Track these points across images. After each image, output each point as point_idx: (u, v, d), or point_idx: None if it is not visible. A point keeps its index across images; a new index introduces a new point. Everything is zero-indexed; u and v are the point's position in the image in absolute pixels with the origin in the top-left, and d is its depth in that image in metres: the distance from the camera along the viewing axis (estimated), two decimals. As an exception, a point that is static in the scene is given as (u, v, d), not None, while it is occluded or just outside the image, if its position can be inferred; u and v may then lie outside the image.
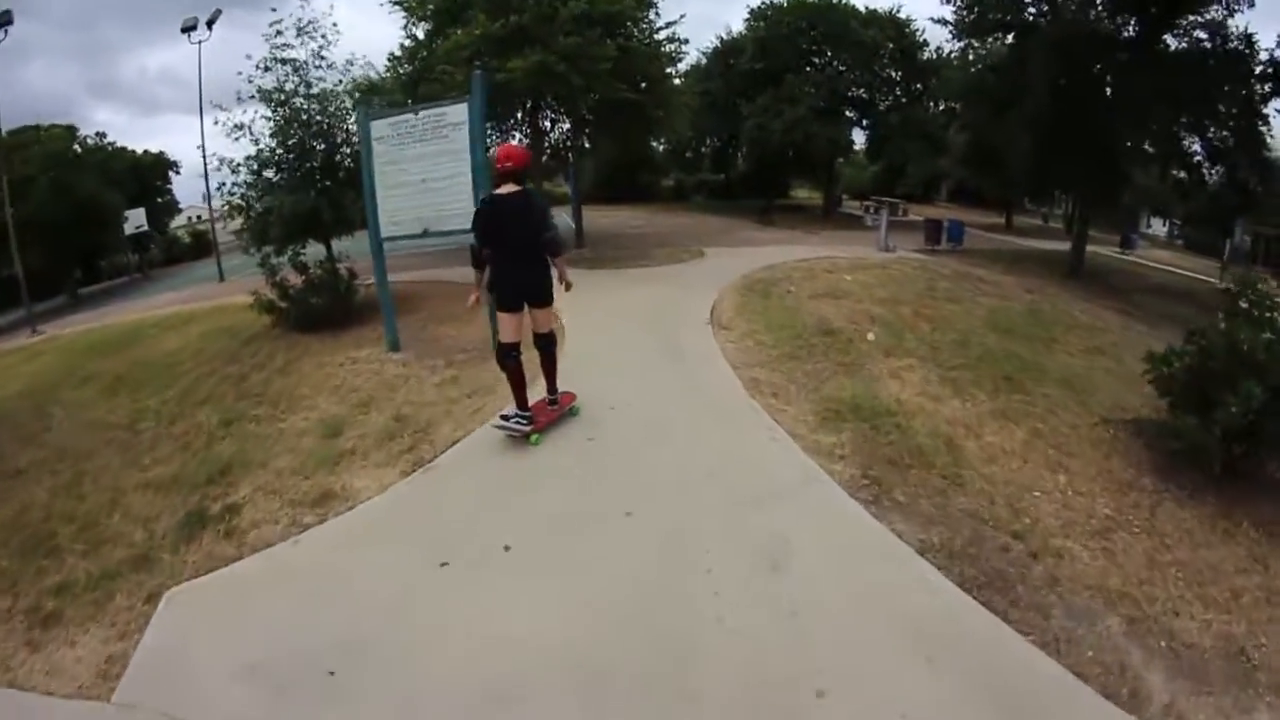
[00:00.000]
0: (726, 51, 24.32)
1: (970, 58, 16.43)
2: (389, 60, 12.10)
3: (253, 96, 8.41)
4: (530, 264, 3.87)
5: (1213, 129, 12.46)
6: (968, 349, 6.19)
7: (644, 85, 11.62)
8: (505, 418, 4.08)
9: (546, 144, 15.15)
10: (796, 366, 5.42)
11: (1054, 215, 31.09)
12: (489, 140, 8.71)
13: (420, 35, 11.93)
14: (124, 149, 30.21)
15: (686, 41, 12.47)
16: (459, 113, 5.46)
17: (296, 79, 8.57)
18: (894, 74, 23.25)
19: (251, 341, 7.55)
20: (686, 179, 34.02)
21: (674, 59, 12.51)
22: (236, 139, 8.51)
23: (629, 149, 18.12)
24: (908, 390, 5.00)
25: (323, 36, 8.68)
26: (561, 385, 4.36)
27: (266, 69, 8.44)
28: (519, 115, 13.05)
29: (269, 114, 8.44)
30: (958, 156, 22.11)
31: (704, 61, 24.96)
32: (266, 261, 7.94)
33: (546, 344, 4.13)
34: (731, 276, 9.09)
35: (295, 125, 8.53)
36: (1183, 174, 13.50)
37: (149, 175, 31.54)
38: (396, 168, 5.76)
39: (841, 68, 22.51)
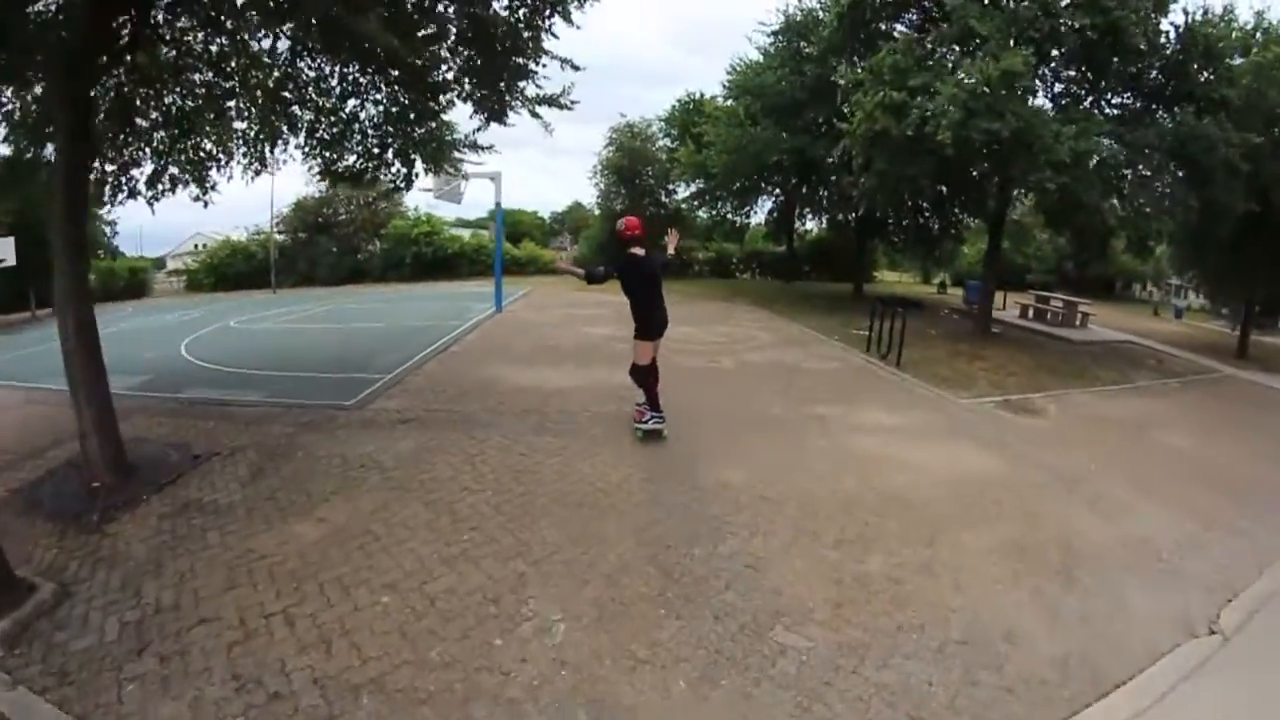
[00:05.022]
0: (797, 29, 15.11)
1: None
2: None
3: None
4: (662, 303, 5.30)
5: None
6: None
7: None
8: (644, 421, 5.38)
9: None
10: None
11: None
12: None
13: None
14: None
15: None
16: None
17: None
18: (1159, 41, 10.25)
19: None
20: (733, 249, 23.42)
21: None
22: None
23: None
24: None
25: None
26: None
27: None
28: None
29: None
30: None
31: (753, 59, 16.42)
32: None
33: (654, 363, 5.37)
34: None
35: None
36: None
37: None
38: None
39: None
